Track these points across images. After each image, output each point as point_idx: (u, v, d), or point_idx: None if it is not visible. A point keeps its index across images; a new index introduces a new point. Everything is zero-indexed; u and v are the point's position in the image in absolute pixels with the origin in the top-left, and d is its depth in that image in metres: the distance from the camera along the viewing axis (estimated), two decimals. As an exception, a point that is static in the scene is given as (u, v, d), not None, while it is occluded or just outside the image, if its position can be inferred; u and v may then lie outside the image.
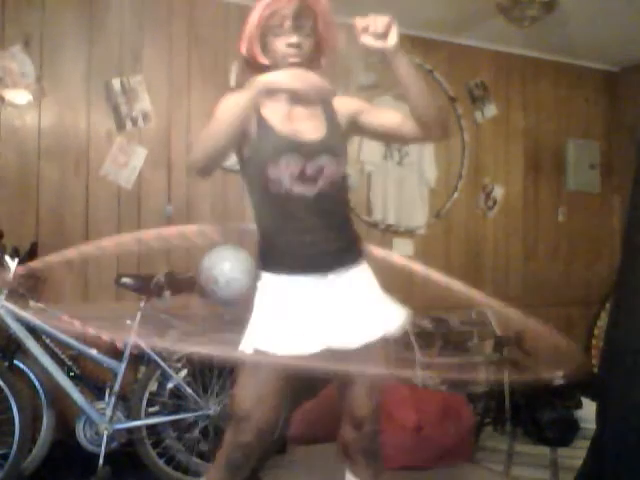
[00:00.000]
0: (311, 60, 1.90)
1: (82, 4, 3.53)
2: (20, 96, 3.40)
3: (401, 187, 4.32)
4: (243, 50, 1.93)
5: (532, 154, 4.84)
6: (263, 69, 1.87)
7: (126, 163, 3.60)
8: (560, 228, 4.94)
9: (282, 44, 1.87)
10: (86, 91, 3.54)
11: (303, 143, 1.89)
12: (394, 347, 2.01)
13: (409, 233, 4.37)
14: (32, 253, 3.05)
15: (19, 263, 2.96)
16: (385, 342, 1.94)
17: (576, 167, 4.92)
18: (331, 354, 1.91)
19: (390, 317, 1.97)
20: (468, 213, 4.60)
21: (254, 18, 1.89)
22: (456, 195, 4.53)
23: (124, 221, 3.59)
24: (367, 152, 4.22)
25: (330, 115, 1.96)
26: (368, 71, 4.23)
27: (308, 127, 1.92)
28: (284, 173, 1.86)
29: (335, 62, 2.00)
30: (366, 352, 1.91)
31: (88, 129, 3.54)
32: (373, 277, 2.01)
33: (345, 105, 1.99)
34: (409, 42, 4.34)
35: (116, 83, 3.59)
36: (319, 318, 1.90)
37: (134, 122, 3.62)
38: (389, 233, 4.31)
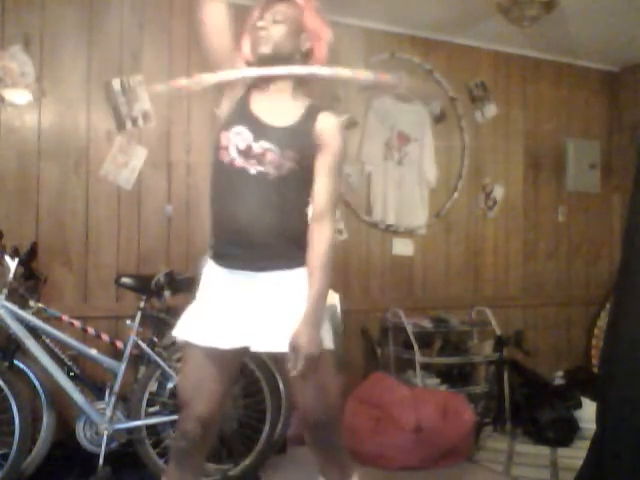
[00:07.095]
0: (287, 48, 1.92)
1: (82, 4, 3.53)
2: (20, 96, 3.40)
3: (401, 187, 4.32)
4: (240, 54, 2.00)
5: (532, 154, 4.84)
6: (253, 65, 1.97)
7: (126, 163, 3.60)
8: (560, 228, 4.94)
9: (254, 33, 1.92)
10: (86, 91, 3.54)
11: (260, 123, 1.93)
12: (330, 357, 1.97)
13: (409, 233, 4.37)
14: (32, 253, 3.06)
15: (19, 263, 2.96)
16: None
17: (576, 167, 4.92)
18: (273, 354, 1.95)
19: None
20: (468, 213, 4.60)
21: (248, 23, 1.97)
22: (456, 195, 4.53)
23: (124, 221, 3.59)
24: (367, 152, 4.22)
25: (306, 121, 1.95)
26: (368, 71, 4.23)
27: (278, 117, 1.94)
28: (232, 142, 1.92)
29: (329, 59, 2.01)
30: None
31: (88, 129, 3.54)
32: (304, 288, 1.90)
33: (323, 131, 1.94)
34: (409, 42, 4.35)
35: (116, 83, 3.58)
36: (244, 314, 1.91)
37: (134, 122, 3.62)
38: (389, 233, 4.31)
